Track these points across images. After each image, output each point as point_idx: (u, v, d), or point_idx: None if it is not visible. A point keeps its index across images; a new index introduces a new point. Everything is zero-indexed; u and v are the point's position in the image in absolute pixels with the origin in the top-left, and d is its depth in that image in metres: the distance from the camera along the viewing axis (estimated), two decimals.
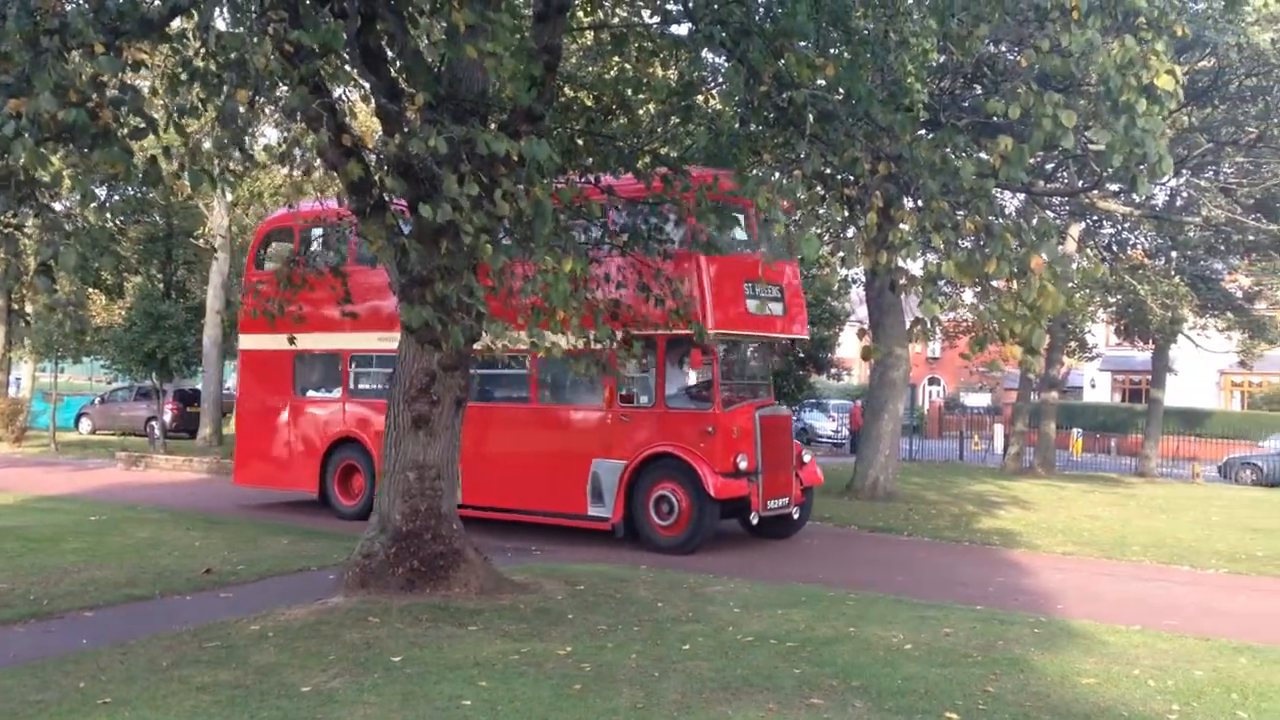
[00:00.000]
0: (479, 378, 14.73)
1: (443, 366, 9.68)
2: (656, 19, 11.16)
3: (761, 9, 9.11)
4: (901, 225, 8.48)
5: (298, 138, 8.72)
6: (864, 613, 9.39)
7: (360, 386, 16.39)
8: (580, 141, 11.20)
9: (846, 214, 9.61)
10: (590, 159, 10.96)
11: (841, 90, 8.96)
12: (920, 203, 8.53)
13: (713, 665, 7.44)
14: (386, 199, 9.08)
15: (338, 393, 16.39)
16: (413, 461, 9.70)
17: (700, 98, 15.10)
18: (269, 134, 24.49)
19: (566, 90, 12.56)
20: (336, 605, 9.08)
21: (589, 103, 12.33)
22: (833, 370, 36.50)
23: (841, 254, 9.80)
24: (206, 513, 15.77)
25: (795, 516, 14.47)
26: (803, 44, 8.53)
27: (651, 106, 14.75)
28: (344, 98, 11.28)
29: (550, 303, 8.55)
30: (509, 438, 14.70)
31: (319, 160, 10.73)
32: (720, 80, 16.29)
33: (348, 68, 9.05)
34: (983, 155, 8.57)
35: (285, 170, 24.29)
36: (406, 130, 8.17)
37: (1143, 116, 7.17)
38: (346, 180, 8.79)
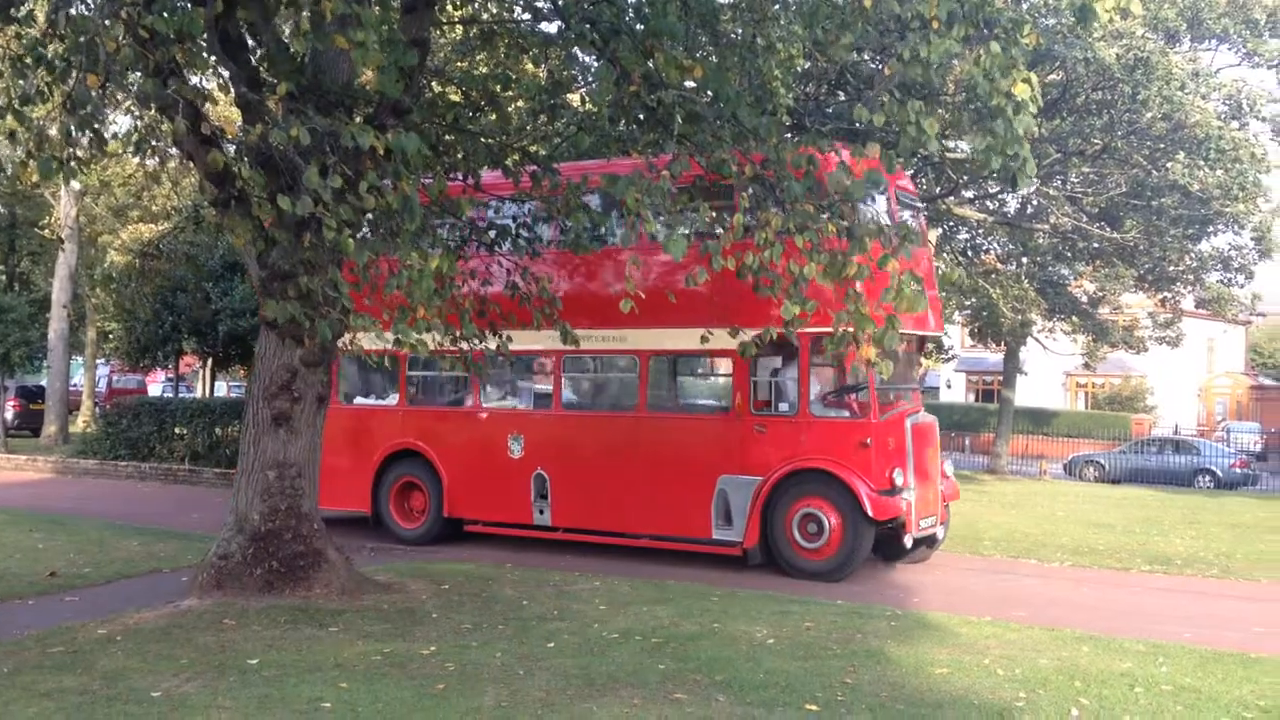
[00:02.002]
0: (571, 383, 13.52)
1: (305, 363, 9.46)
2: (527, 16, 11.11)
3: (631, 9, 9.14)
4: (768, 226, 8.64)
5: (152, 125, 8.43)
6: (728, 608, 9.52)
7: (421, 392, 14.68)
8: (448, 137, 11.07)
9: (713, 214, 9.72)
10: (458, 155, 10.85)
11: (710, 92, 9.07)
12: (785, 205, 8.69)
13: (578, 662, 7.44)
14: (248, 190, 8.84)
15: (393, 399, 14.50)
16: (273, 460, 9.47)
17: (571, 96, 15.10)
18: (122, 122, 23.59)
19: (435, 85, 12.40)
20: (190, 608, 8.81)
21: (457, 98, 12.19)
22: None
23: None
24: (51, 514, 15.08)
25: (940, 536, 13.01)
26: (672, 45, 8.60)
27: (521, 104, 14.69)
28: (201, 85, 10.91)
29: (413, 300, 8.44)
30: (612, 452, 12.74)
31: (175, 149, 10.38)
32: (590, 79, 16.31)
33: (206, 55, 8.77)
34: (846, 160, 8.76)
35: (138, 159, 23.42)
36: (268, 120, 7.97)
37: (1014, 120, 7.42)
38: (204, 171, 8.53)
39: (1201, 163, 22.09)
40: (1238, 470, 29.81)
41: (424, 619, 8.75)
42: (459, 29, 13.77)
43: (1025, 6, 8.17)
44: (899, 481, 11.54)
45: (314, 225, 8.23)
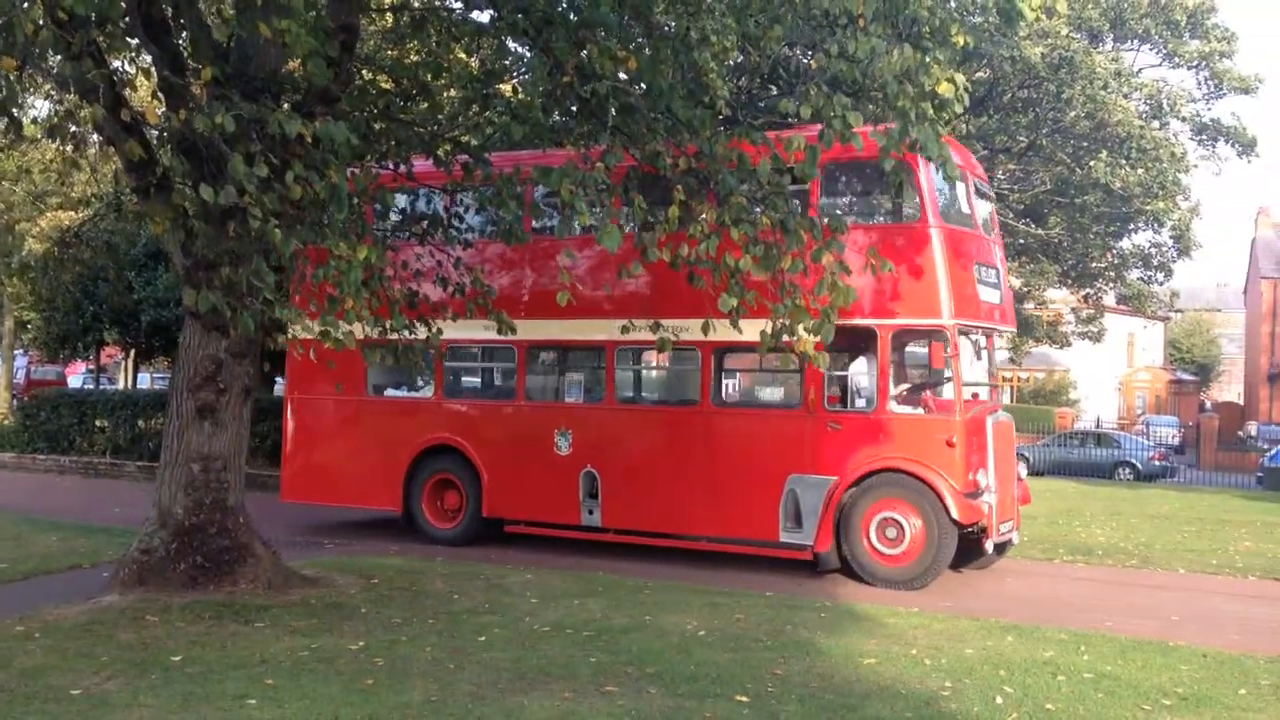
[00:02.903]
0: (625, 376, 12.79)
1: (230, 353, 9.30)
2: (458, 4, 11.00)
3: (565, 0, 9.10)
4: (702, 218, 8.65)
5: (71, 110, 8.21)
6: (660, 601, 9.54)
7: (459, 384, 13.98)
8: (379, 126, 10.92)
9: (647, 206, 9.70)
10: (389, 144, 10.70)
11: (644, 84, 9.05)
12: (720, 197, 8.71)
13: (509, 656, 7.41)
14: (170, 178, 8.65)
15: (429, 391, 13.58)
16: (197, 453, 9.29)
17: (504, 86, 14.98)
18: (41, 106, 22.96)
19: (364, 73, 12.23)
20: (111, 604, 8.61)
21: (388, 86, 12.03)
22: None
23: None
24: None
25: (1014, 541, 12.27)
26: (605, 36, 8.57)
27: (453, 93, 14.54)
28: (123, 70, 10.65)
29: (341, 291, 8.31)
30: (670, 449, 12.06)
31: (96, 135, 10.11)
32: (523, 69, 16.20)
33: (127, 38, 8.56)
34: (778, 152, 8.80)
35: (56, 145, 22.78)
36: (191, 106, 7.79)
37: (926, 121, 7.50)
38: (125, 158, 8.32)
39: (1123, 161, 22.58)
40: (1156, 463, 30.52)
41: (352, 614, 8.64)
42: (389, 16, 13.58)
43: (953, 4, 8.26)
44: (983, 483, 11.01)
45: (239, 215, 8.07)
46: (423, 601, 9.23)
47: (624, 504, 12.12)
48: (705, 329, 8.98)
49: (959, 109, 7.67)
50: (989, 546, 11.17)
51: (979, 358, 12.19)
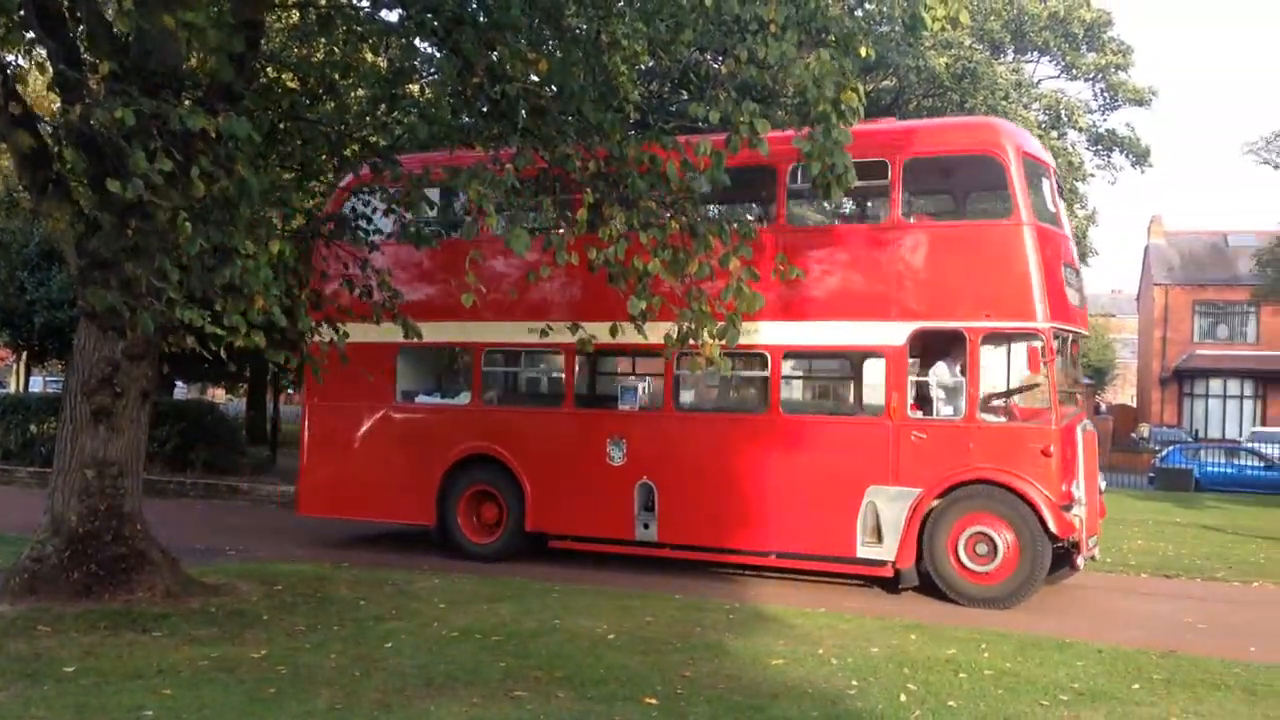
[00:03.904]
0: (686, 382, 12.09)
1: (128, 355, 9.04)
2: (366, 2, 10.86)
3: (475, 1, 9.03)
4: (611, 222, 8.65)
5: None
6: (569, 604, 9.51)
7: (500, 390, 13.28)
8: (284, 125, 10.72)
9: (556, 210, 9.67)
10: (295, 143, 10.52)
11: (554, 87, 9.03)
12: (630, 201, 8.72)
13: (416, 662, 7.32)
14: (67, 174, 8.40)
15: (464, 398, 12.87)
16: (92, 458, 9.01)
17: (413, 86, 14.82)
18: None
19: (270, 71, 12.00)
20: (1, 614, 8.31)
21: (293, 85, 11.83)
22: None
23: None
24: None
25: (1095, 556, 11.59)
26: (515, 38, 8.53)
27: (360, 92, 14.34)
28: (15, 64, 10.31)
29: (249, 289, 8.15)
30: (736, 459, 11.34)
31: None
32: (433, 70, 16.06)
33: (21, 30, 8.29)
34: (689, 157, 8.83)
35: None
36: (89, 100, 7.58)
37: (835, 129, 7.60)
38: (17, 152, 8.06)
39: None
40: None
41: (255, 621, 8.46)
42: (295, 13, 13.36)
43: (860, 14, 8.40)
44: (1076, 495, 10.38)
45: (141, 211, 7.87)
46: (328, 608, 9.08)
47: (684, 518, 11.43)
48: (614, 331, 8.89)
49: (857, 120, 7.77)
50: (1080, 563, 10.62)
51: (1071, 363, 11.55)
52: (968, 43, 23.00)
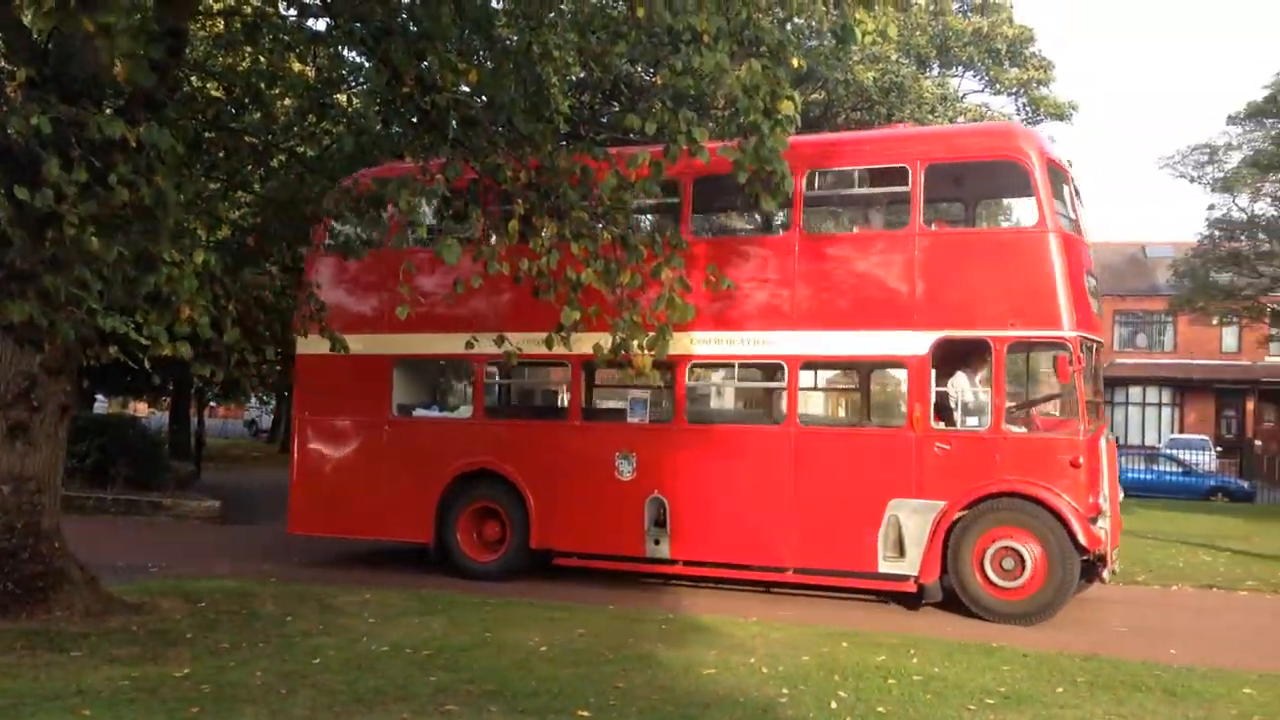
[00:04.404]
0: (698, 393, 11.81)
1: (46, 369, 8.81)
2: (293, 11, 10.74)
3: (404, 10, 8.98)
4: (543, 233, 8.63)
5: None
6: (501, 618, 9.45)
7: (503, 403, 12.96)
8: (209, 134, 10.55)
9: (486, 220, 9.63)
10: (220, 153, 10.37)
11: (485, 97, 8.99)
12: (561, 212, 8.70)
13: (344, 678, 7.21)
14: None
15: (465, 411, 12.51)
16: (8, 474, 8.77)
17: (341, 96, 14.66)
18: None
19: (194, 79, 11.82)
20: None
21: (218, 94, 11.68)
22: None
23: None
24: None
25: (1116, 570, 11.15)
26: (445, 48, 8.48)
27: (288, 102, 14.19)
28: None
29: (175, 299, 7.99)
30: (751, 473, 10.99)
31: None
32: (362, 79, 15.93)
33: None
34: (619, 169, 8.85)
35: None
36: (4, 107, 7.39)
37: (770, 137, 7.66)
38: None
39: None
40: None
41: (177, 639, 8.28)
42: (220, 21, 13.16)
43: (789, 28, 8.48)
44: (1103, 507, 10.20)
45: (57, 221, 7.68)
46: (253, 625, 8.92)
47: (697, 534, 11.10)
48: (549, 343, 8.81)
49: (792, 129, 7.84)
50: (1106, 576, 10.45)
51: (1091, 372, 11.11)
52: (895, 57, 23.35)
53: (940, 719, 6.67)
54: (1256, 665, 8.29)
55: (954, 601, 10.43)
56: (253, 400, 36.17)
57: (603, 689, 7.08)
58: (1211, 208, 32.15)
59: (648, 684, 7.26)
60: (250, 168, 10.72)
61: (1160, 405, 44.87)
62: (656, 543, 11.25)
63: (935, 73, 27.53)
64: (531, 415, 13.06)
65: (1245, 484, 29.74)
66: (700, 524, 11.08)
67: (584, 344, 9.26)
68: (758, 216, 12.73)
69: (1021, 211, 10.79)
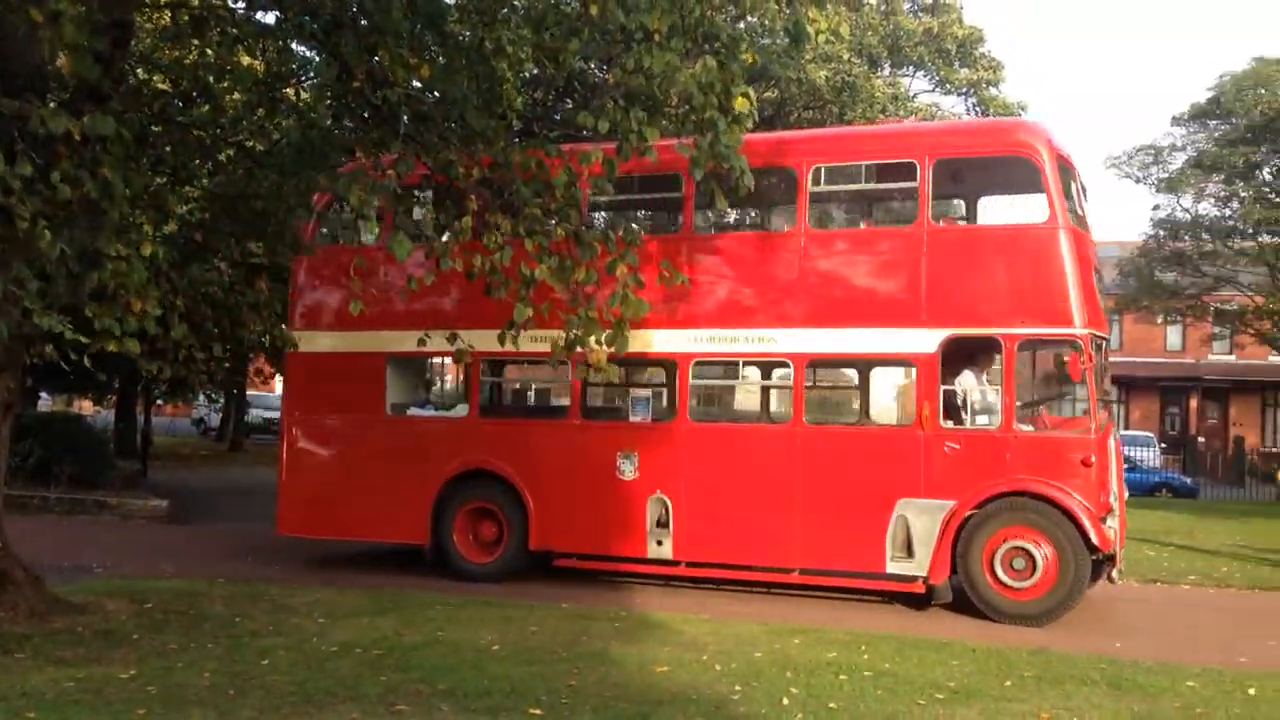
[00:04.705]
0: (702, 392, 11.69)
1: None
2: (241, 4, 10.60)
3: (355, 4, 8.89)
4: (497, 229, 8.58)
5: None
6: (453, 617, 9.40)
7: (501, 402, 12.71)
8: (155, 128, 10.38)
9: (438, 217, 9.58)
10: (166, 147, 10.20)
11: (437, 93, 8.92)
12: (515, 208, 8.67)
13: (293, 679, 7.14)
14: None
15: (461, 410, 12.29)
16: None
17: (290, 90, 14.49)
18: None
19: (140, 72, 11.64)
20: None
21: (165, 87, 11.49)
22: None
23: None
24: None
25: (1122, 570, 11.05)
26: (397, 43, 8.41)
27: (236, 96, 14.00)
28: None
29: (124, 292, 7.87)
30: (756, 472, 10.82)
31: None
32: (312, 74, 15.75)
33: None
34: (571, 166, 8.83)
35: None
36: None
37: (725, 133, 7.67)
38: None
39: None
40: None
41: (123, 640, 8.17)
42: (167, 14, 12.95)
43: (743, 25, 8.48)
44: (1113, 507, 10.09)
45: (6, 215, 7.53)
46: (201, 625, 8.81)
47: (701, 534, 10.91)
48: (502, 339, 8.71)
49: (749, 125, 7.86)
50: (1116, 576, 10.39)
51: (1101, 370, 10.95)
52: (846, 56, 23.47)
53: (891, 714, 6.73)
54: (1200, 659, 8.45)
55: (961, 602, 10.30)
56: (201, 398, 35.64)
57: (555, 687, 7.07)
58: (1156, 208, 32.62)
59: (600, 681, 7.26)
60: (197, 162, 10.54)
61: None
62: (659, 543, 11.10)
63: (886, 72, 27.72)
64: (530, 414, 12.88)
65: (1189, 480, 30.24)
66: (704, 524, 10.93)
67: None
68: (762, 213, 12.67)
69: (1029, 207, 10.75)
